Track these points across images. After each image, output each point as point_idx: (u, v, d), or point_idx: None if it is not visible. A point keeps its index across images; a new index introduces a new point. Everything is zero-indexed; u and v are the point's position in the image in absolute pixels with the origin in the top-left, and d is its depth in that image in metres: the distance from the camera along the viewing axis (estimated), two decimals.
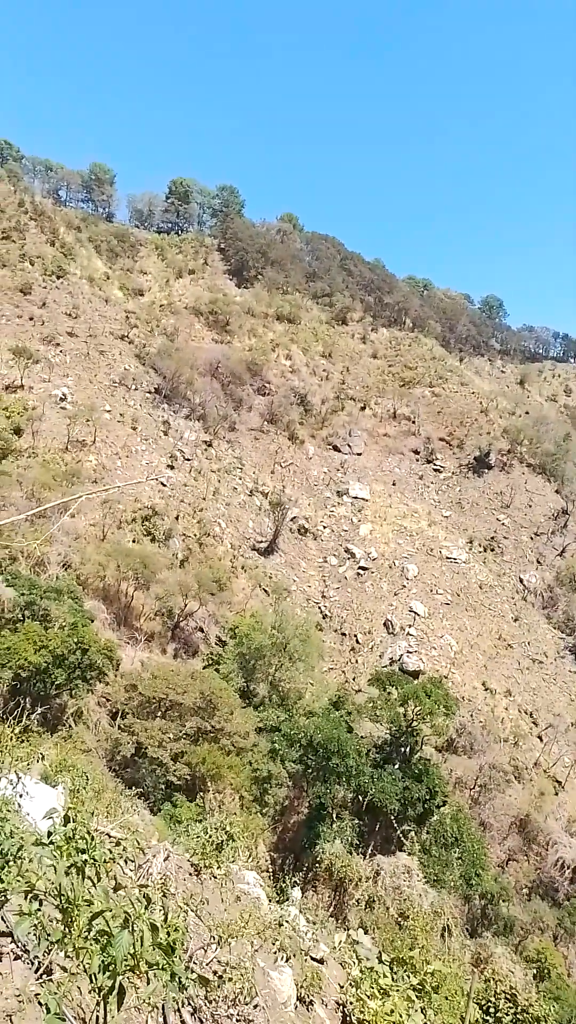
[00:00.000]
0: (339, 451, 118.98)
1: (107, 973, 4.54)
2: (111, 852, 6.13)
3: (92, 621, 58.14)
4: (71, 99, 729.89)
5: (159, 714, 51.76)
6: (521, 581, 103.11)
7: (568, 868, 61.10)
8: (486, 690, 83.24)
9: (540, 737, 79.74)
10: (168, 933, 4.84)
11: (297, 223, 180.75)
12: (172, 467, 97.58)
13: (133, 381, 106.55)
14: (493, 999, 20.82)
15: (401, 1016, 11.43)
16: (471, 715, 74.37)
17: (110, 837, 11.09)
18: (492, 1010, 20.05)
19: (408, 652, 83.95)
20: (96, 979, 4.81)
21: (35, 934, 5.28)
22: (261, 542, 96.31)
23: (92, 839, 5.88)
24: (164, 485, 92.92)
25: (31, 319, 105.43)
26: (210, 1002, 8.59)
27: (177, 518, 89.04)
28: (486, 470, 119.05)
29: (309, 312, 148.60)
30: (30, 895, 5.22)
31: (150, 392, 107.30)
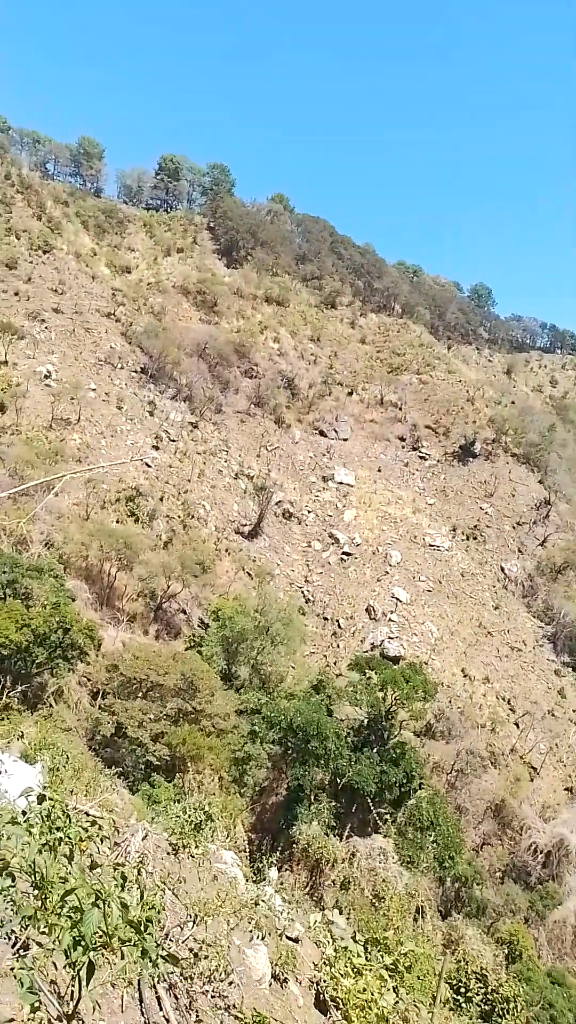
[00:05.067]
0: (325, 436, 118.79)
1: (79, 949, 4.56)
2: (87, 831, 6.12)
3: (74, 600, 57.94)
4: (61, 71, 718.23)
5: (140, 695, 51.77)
6: (503, 570, 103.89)
7: (541, 852, 62.17)
8: (465, 676, 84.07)
9: (517, 724, 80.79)
10: (142, 909, 4.86)
11: (288, 204, 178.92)
12: (157, 448, 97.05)
13: (119, 360, 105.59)
14: (464, 979, 21.25)
15: (374, 994, 11.57)
16: (450, 701, 75.11)
17: (88, 816, 11.08)
18: (463, 989, 20.47)
19: (389, 638, 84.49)
20: (70, 955, 4.84)
21: (10, 909, 5.31)
22: (245, 525, 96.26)
23: (68, 818, 5.88)
24: (149, 466, 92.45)
25: (16, 294, 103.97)
26: (186, 979, 8.65)
27: (161, 499, 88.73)
28: (471, 459, 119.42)
29: (298, 295, 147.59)
30: (4, 871, 5.23)
31: (136, 371, 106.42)
